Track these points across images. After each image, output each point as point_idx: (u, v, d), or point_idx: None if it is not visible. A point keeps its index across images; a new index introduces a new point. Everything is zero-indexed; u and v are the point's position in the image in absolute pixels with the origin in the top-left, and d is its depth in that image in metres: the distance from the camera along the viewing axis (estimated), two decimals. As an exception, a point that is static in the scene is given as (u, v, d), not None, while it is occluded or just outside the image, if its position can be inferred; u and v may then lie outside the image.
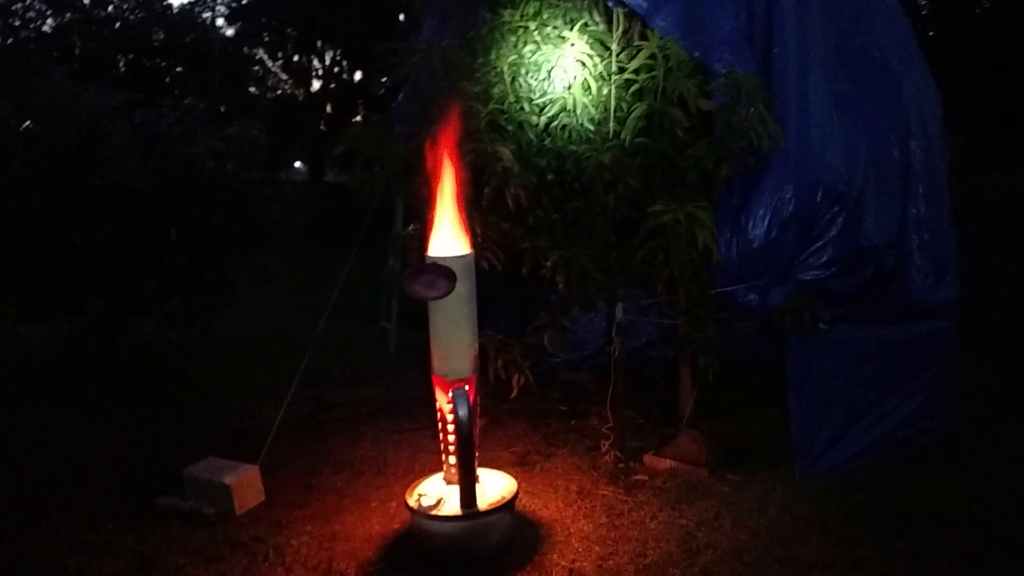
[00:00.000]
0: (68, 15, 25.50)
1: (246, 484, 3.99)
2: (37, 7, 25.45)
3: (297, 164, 30.73)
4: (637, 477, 4.25)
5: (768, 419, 4.92)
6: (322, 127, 25.88)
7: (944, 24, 16.71)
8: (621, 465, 4.35)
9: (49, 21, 25.56)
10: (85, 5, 25.72)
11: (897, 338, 4.47)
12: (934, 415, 4.60)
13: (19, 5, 25.19)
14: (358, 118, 24.50)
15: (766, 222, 3.98)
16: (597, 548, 3.54)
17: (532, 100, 4.34)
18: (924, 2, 17.69)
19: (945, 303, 4.49)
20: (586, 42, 4.21)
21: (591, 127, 4.26)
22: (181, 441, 4.80)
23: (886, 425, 4.45)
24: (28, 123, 6.01)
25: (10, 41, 24.86)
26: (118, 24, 25.79)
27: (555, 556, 3.47)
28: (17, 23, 25.33)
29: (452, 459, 3.52)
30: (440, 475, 3.70)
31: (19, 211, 5.62)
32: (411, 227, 4.54)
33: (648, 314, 4.66)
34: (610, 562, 3.42)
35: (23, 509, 3.99)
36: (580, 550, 3.52)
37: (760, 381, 5.28)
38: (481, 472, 3.70)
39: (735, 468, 4.30)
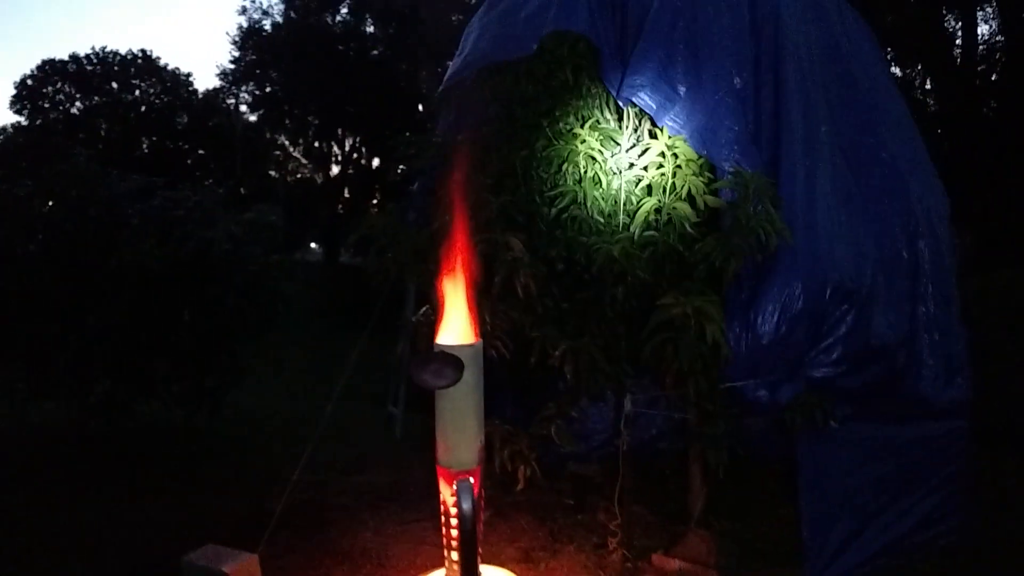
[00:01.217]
0: (96, 99, 26.37)
1: (245, 573, 3.90)
2: (67, 90, 26.36)
3: (313, 245, 31.15)
4: (644, 577, 4.14)
5: (779, 518, 4.80)
6: (339, 210, 26.34)
7: (952, 122, 17.02)
8: (628, 564, 4.24)
9: (77, 104, 26.42)
10: (113, 89, 26.61)
11: (909, 437, 4.40)
12: (949, 517, 4.49)
13: (49, 88, 26.12)
14: (374, 202, 24.99)
15: (775, 318, 3.99)
16: (602, 652, 3.42)
17: (543, 192, 4.42)
18: (932, 101, 18.06)
19: (956, 402, 4.45)
20: (597, 138, 4.31)
21: (601, 219, 4.32)
22: (182, 526, 4.73)
23: (900, 527, 4.34)
24: (51, 203, 6.16)
25: (39, 122, 25.67)
26: (143, 107, 26.62)
27: (558, 659, 3.35)
28: (46, 105, 26.21)
29: (455, 555, 3.44)
30: (442, 571, 3.61)
31: (35, 290, 5.70)
32: (421, 313, 4.57)
33: (657, 406, 4.62)
34: (615, 667, 3.30)
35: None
36: (584, 653, 3.40)
37: (771, 478, 5.18)
38: (484, 569, 3.60)
39: (745, 570, 4.19)
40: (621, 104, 4.38)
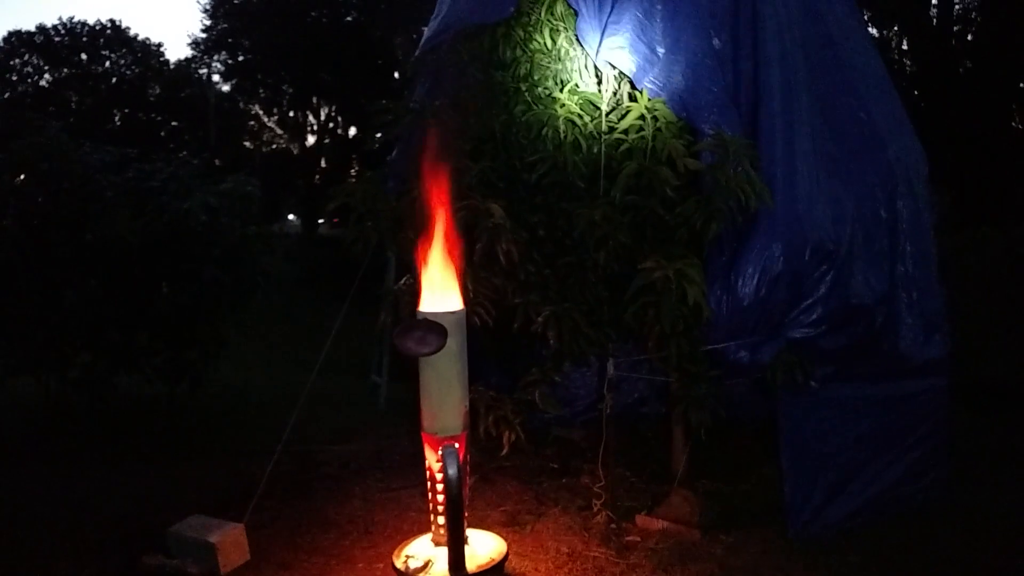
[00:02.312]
0: (65, 70, 25.87)
1: (231, 543, 3.91)
2: (35, 63, 25.83)
3: (291, 216, 30.92)
4: (629, 538, 4.19)
5: (762, 478, 4.87)
6: (316, 180, 26.11)
7: (929, 82, 17.08)
8: (613, 526, 4.29)
9: (47, 76, 25.92)
10: (82, 61, 26.11)
11: (889, 395, 4.46)
12: (928, 473, 4.56)
13: (17, 61, 25.58)
14: (352, 172, 24.77)
15: (755, 279, 4.01)
16: (588, 611, 3.47)
17: (523, 158, 4.39)
18: (909, 61, 18.10)
19: (935, 360, 4.50)
20: (576, 103, 4.28)
21: (582, 184, 4.30)
22: (167, 498, 4.72)
23: (880, 483, 4.41)
24: (22, 177, 6.05)
25: (7, 95, 25.18)
26: (114, 79, 26.16)
27: (546, 619, 3.40)
28: (14, 78, 25.68)
29: (441, 519, 3.47)
30: (429, 536, 3.64)
31: (10, 265, 5.62)
32: (403, 282, 4.55)
33: (640, 370, 4.64)
34: (602, 626, 3.35)
35: (5, 567, 3.90)
36: (571, 613, 3.45)
37: (753, 439, 5.24)
38: (470, 533, 3.64)
39: (729, 529, 4.25)
40: (600, 67, 4.34)
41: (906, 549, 4.02)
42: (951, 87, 16.36)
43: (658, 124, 4.11)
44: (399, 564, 3.42)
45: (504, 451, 4.39)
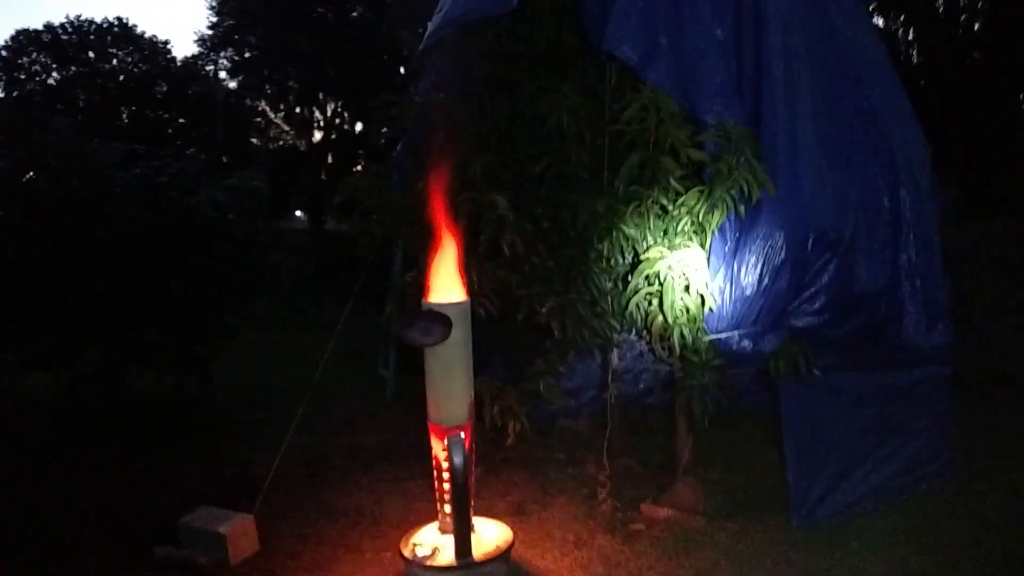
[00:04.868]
0: (73, 68, 25.97)
1: (241, 533, 3.96)
2: (43, 61, 25.94)
3: (298, 213, 30.95)
4: (635, 526, 4.22)
5: (765, 467, 4.89)
6: (323, 176, 26.14)
7: (935, 73, 17.00)
8: (618, 514, 4.32)
9: (54, 74, 26.02)
10: (90, 59, 26.20)
11: (892, 384, 4.48)
12: (931, 460, 4.58)
13: (25, 59, 25.70)
14: (358, 168, 24.79)
15: (758, 269, 4.03)
16: (594, 598, 3.51)
17: (527, 150, 4.41)
18: (915, 51, 18.02)
19: (938, 349, 4.51)
20: (580, 94, 4.29)
21: (586, 176, 4.32)
22: (176, 490, 4.78)
23: (883, 472, 4.43)
24: (31, 174, 6.10)
25: (16, 94, 25.29)
26: (122, 77, 26.24)
27: (551, 606, 3.44)
28: (23, 76, 25.79)
29: (447, 508, 3.51)
30: (435, 524, 3.68)
31: (21, 261, 5.67)
32: (409, 275, 4.58)
33: (643, 360, 4.67)
34: (607, 612, 3.39)
35: (18, 559, 3.96)
36: (576, 600, 3.49)
37: (757, 428, 5.27)
38: (477, 521, 3.68)
39: (733, 516, 4.28)
40: (603, 58, 4.36)
41: (909, 536, 4.03)
42: (958, 78, 16.28)
43: (661, 115, 4.12)
44: (406, 552, 3.47)
45: (509, 441, 4.41)
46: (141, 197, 5.90)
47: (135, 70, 26.58)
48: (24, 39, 25.76)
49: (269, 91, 27.02)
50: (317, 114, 27.24)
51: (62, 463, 5.35)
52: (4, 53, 25.67)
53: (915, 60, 18.01)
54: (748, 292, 4.02)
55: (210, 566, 3.80)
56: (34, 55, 25.96)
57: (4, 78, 25.71)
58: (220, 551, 3.86)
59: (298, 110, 27.30)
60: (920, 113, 4.90)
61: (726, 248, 4.13)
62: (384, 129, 4.90)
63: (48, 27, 25.84)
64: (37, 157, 6.04)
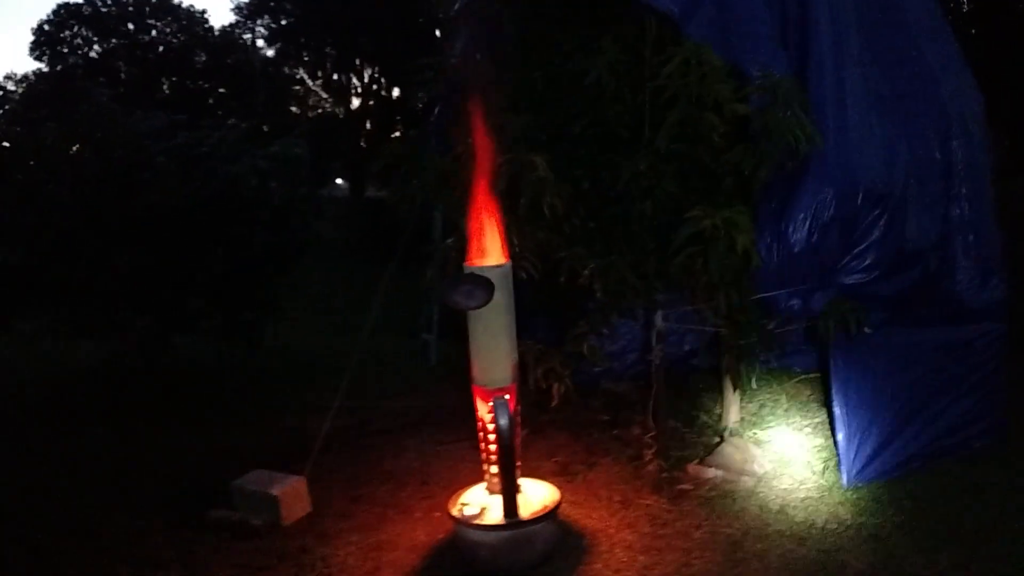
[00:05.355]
0: (113, 41, 26.25)
1: (293, 495, 4.05)
2: (84, 34, 26.26)
3: (339, 181, 31.13)
4: (681, 487, 4.21)
5: (814, 426, 4.85)
6: (362, 143, 26.21)
7: (986, 22, 16.36)
8: (665, 475, 4.32)
9: (95, 47, 26.34)
10: (130, 31, 26.46)
11: (944, 341, 4.38)
12: (984, 419, 4.48)
13: (67, 33, 26.04)
14: (397, 134, 24.80)
15: (807, 226, 3.94)
16: (641, 558, 3.52)
17: (566, 110, 4.35)
18: (964, 0, 17.36)
19: (992, 305, 4.39)
20: (619, 50, 4.20)
21: (626, 134, 4.25)
22: (228, 454, 4.89)
23: (935, 430, 4.35)
24: (76, 147, 6.20)
25: (59, 68, 25.68)
26: (161, 48, 26.47)
27: (599, 566, 3.46)
28: (65, 50, 26.16)
29: (494, 469, 3.54)
30: (483, 485, 3.71)
31: (65, 232, 5.77)
32: (450, 239, 4.58)
33: (688, 321, 4.62)
34: (654, 572, 3.40)
35: (73, 524, 4.10)
36: (624, 560, 3.51)
37: (805, 387, 5.21)
38: (523, 482, 3.70)
39: (781, 476, 4.25)
40: (642, 12, 4.25)
41: (960, 495, 3.97)
42: (1010, 26, 15.65)
43: (703, 69, 4.01)
44: (455, 512, 3.51)
45: (554, 403, 4.43)
46: (182, 167, 5.96)
47: (174, 40, 26.80)
48: (65, 12, 26.10)
49: (307, 58, 27.06)
50: (355, 80, 27.24)
51: (113, 431, 5.50)
52: (47, 27, 26.04)
53: (965, 7, 17.33)
54: (796, 249, 3.94)
55: (264, 527, 3.89)
56: (75, 28, 26.29)
57: (48, 52, 26.10)
58: (273, 512, 3.95)
59: (335, 77, 27.32)
60: (972, 63, 4.71)
61: (773, 205, 4.05)
62: (420, 94, 4.87)
63: (88, 0, 26.12)
64: (80, 129, 6.13)
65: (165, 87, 26.35)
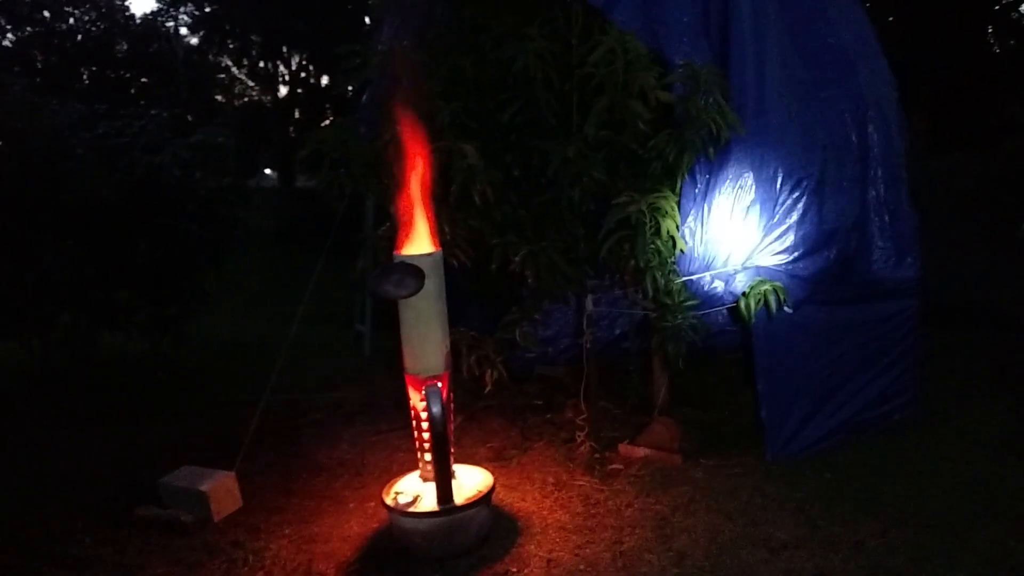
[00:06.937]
0: (28, 29, 25.18)
1: (223, 491, 3.99)
2: (-3, 22, 25.12)
3: (267, 171, 30.52)
4: (613, 466, 4.30)
5: (739, 404, 4.99)
6: (291, 132, 25.74)
7: (903, 6, 16.93)
8: (597, 455, 4.39)
9: (9, 35, 25.23)
10: (46, 18, 25.40)
11: (862, 319, 4.54)
12: (902, 393, 4.68)
13: (-23, 20, 24.88)
14: (326, 122, 24.40)
15: (729, 210, 4.05)
16: (574, 537, 3.58)
17: (495, 97, 4.36)
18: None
19: (907, 283, 4.58)
20: (546, 37, 4.23)
21: (554, 121, 4.28)
22: (156, 451, 4.79)
23: (855, 405, 4.52)
24: (-9, 139, 5.96)
25: (-30, 57, 24.51)
26: (80, 36, 25.51)
27: (533, 547, 3.51)
28: (-25, 38, 24.99)
29: (428, 456, 3.55)
30: (417, 473, 3.72)
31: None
32: (381, 229, 4.55)
33: (618, 305, 4.70)
34: (587, 550, 3.47)
35: (1, 525, 3.96)
36: (557, 540, 3.56)
37: (731, 367, 5.35)
38: (457, 468, 3.72)
39: (708, 453, 4.37)
40: (569, 0, 4.28)
41: (880, 466, 4.15)
42: (925, 10, 16.24)
43: (628, 57, 4.06)
44: (389, 500, 3.51)
45: (487, 389, 4.46)
46: (103, 157, 5.79)
47: (93, 29, 25.84)
48: (-26, 0, 24.90)
49: (231, 45, 26.41)
50: (282, 68, 26.72)
51: (39, 430, 5.34)
52: (-45, 15, 24.83)
53: (884, -5, 17.89)
54: (718, 233, 4.04)
55: (194, 524, 3.82)
56: (-13, 16, 25.12)
57: (-43, 41, 24.91)
58: (203, 509, 3.89)
59: (262, 64, 26.75)
60: (888, 48, 4.88)
61: (696, 190, 4.14)
62: (347, 81, 4.81)
63: (0, -14, 24.99)
64: (-2, 120, 5.88)
65: (85, 76, 25.40)
